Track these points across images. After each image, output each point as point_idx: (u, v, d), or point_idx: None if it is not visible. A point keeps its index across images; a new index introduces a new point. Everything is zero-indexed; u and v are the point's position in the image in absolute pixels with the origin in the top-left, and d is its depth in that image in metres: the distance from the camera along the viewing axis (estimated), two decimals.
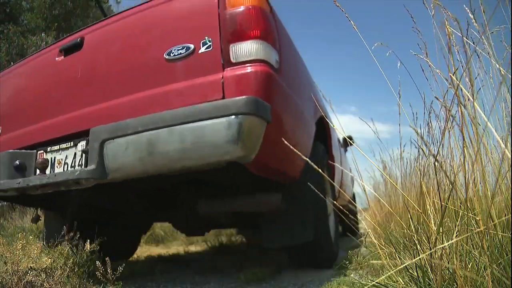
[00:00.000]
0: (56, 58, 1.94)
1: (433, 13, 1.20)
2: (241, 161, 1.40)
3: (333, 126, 1.54)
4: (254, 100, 1.32)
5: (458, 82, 1.03)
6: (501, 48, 1.17)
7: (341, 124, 1.40)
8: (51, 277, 1.64)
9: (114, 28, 1.81)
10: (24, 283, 1.58)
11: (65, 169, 1.72)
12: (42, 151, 1.85)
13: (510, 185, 1.00)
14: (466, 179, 1.04)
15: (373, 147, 3.53)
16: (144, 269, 2.45)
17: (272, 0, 1.67)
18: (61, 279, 1.65)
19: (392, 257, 1.42)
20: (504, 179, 1.03)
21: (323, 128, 2.37)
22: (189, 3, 1.63)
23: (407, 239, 1.40)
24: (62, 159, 1.75)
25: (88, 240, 1.79)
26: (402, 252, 1.38)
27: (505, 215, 1.01)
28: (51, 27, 7.99)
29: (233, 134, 1.29)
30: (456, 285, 1.00)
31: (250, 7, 1.48)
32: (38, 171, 1.78)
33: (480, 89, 1.18)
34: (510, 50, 1.09)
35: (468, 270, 0.98)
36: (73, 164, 1.70)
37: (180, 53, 1.50)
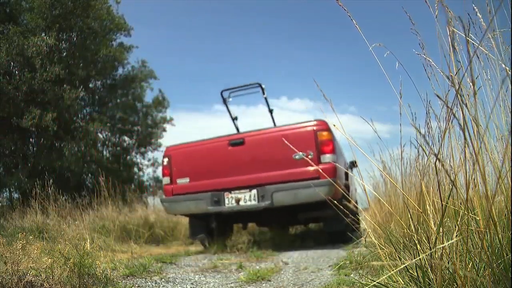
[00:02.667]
0: (228, 148, 4.05)
1: (436, 13, 1.19)
2: (326, 197, 2.87)
3: (334, 126, 1.63)
4: (333, 179, 3.07)
5: (459, 81, 1.03)
6: (502, 48, 1.17)
7: (342, 124, 1.47)
8: (51, 277, 1.64)
9: (262, 137, 3.99)
10: (24, 283, 1.58)
11: (245, 202, 3.84)
12: (227, 193, 3.90)
13: (510, 185, 0.99)
14: (466, 179, 1.03)
15: (372, 147, 3.58)
16: (144, 268, 2.45)
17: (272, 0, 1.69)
18: (61, 279, 1.65)
19: (392, 257, 1.42)
20: (504, 179, 1.03)
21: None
22: (302, 133, 3.80)
23: (407, 239, 1.40)
24: (241, 197, 3.85)
25: None
26: (402, 252, 1.38)
27: (505, 215, 1.01)
28: (51, 27, 7.97)
29: (326, 191, 3.43)
30: (456, 285, 1.00)
31: (328, 138, 3.73)
32: (234, 203, 3.85)
33: (480, 87, 1.18)
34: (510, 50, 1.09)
35: (468, 270, 0.98)
36: (249, 200, 3.83)
37: (299, 157, 3.60)
